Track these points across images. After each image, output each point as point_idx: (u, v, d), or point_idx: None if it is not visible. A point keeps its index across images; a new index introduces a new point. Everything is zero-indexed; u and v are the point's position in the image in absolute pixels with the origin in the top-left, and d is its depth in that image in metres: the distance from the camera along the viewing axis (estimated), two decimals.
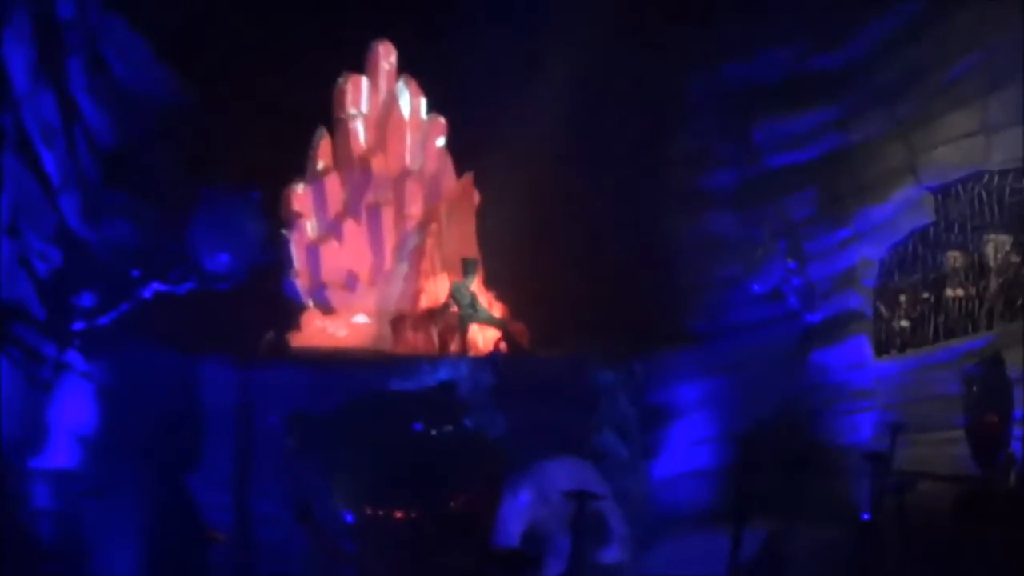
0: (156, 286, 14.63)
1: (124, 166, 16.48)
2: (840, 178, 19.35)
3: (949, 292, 18.13)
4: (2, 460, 13.47)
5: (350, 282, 19.58)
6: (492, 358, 17.49)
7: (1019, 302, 17.24)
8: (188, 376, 16.35)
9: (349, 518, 13.25)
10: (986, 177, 17.90)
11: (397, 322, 19.15)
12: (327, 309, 19.37)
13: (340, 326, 19.35)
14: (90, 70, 15.51)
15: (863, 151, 19.09)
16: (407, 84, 21.15)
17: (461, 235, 20.26)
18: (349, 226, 19.85)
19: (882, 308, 18.88)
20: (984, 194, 17.90)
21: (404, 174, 20.35)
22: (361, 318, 19.48)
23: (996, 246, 17.76)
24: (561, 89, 21.57)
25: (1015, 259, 17.59)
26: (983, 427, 15.85)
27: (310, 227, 19.91)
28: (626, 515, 15.19)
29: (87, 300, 14.67)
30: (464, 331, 18.90)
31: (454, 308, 19.04)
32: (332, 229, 19.87)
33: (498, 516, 13.38)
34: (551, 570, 13.67)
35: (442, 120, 21.10)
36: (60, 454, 14.62)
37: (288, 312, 19.50)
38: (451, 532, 14.06)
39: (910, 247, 18.68)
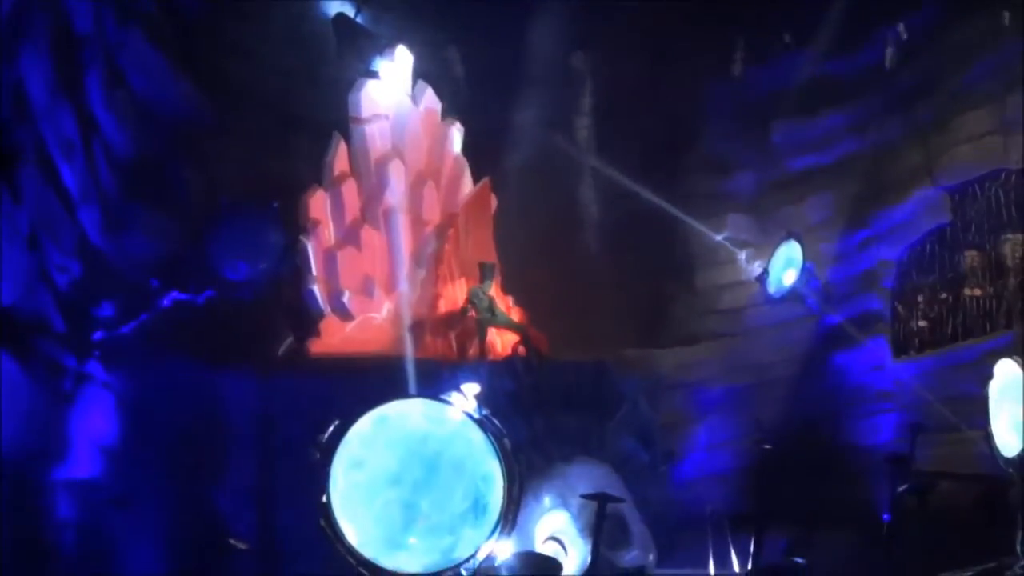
0: (176, 296, 14.62)
1: (143, 178, 16.52)
2: (858, 180, 19.41)
3: (967, 292, 18.13)
4: (25, 472, 13.51)
5: (368, 288, 19.60)
6: (511, 363, 17.49)
7: None
8: (209, 385, 16.38)
9: None
10: (1003, 177, 17.91)
11: (415, 327, 19.17)
12: (346, 315, 19.39)
13: (359, 332, 19.38)
14: (108, 84, 15.53)
15: (880, 153, 19.15)
16: (423, 90, 21.19)
17: (478, 240, 20.27)
18: (367, 232, 19.87)
19: (901, 309, 18.90)
20: (1001, 194, 17.92)
21: (421, 180, 20.38)
22: (377, 317, 19.51)
23: (1014, 245, 17.75)
24: (580, 94, 21.65)
25: None
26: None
27: (328, 233, 19.95)
28: (647, 519, 15.19)
29: (107, 311, 14.69)
30: (483, 336, 18.91)
31: (472, 313, 19.05)
32: (350, 235, 19.90)
33: (519, 521, 13.31)
34: (571, 574, 13.69)
35: (458, 125, 21.12)
36: (82, 465, 14.63)
37: (307, 319, 19.55)
38: None
39: (928, 248, 18.71)
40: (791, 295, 18.28)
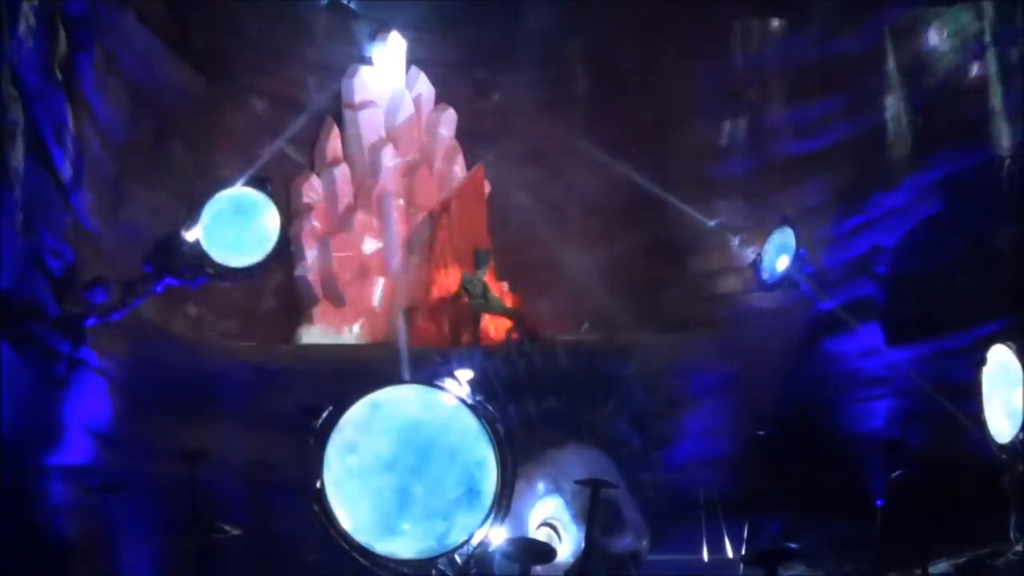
0: (169, 281, 14.53)
1: (136, 162, 16.49)
2: (851, 165, 19.38)
3: (961, 278, 18.08)
4: (19, 458, 13.47)
5: (361, 274, 19.60)
6: (504, 348, 17.48)
7: None
8: (203, 370, 16.37)
9: None
10: (997, 163, 17.86)
11: (409, 313, 19.19)
12: (338, 301, 19.40)
13: (352, 318, 19.38)
14: (100, 67, 15.46)
15: (874, 138, 19.08)
16: (416, 75, 21.18)
17: (472, 226, 20.29)
18: (359, 218, 19.88)
19: (894, 295, 18.85)
20: (996, 180, 17.87)
21: (414, 165, 20.38)
22: (371, 306, 19.52)
23: (1008, 231, 17.71)
24: (572, 77, 21.61)
25: None
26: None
27: (321, 219, 19.93)
28: (640, 504, 15.17)
29: (100, 296, 14.62)
30: (476, 322, 18.93)
31: (466, 299, 19.06)
32: (342, 221, 19.90)
33: (512, 507, 13.31)
34: (564, 559, 13.69)
35: (451, 111, 21.12)
36: (77, 450, 14.60)
37: (300, 305, 19.53)
38: None
39: (922, 233, 18.65)
40: (784, 281, 18.21)
